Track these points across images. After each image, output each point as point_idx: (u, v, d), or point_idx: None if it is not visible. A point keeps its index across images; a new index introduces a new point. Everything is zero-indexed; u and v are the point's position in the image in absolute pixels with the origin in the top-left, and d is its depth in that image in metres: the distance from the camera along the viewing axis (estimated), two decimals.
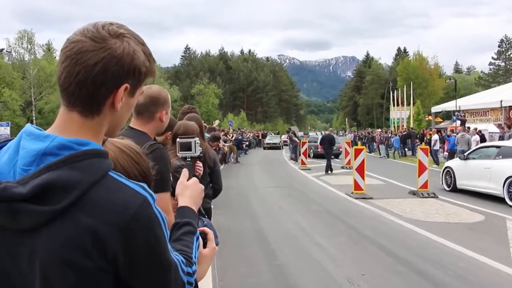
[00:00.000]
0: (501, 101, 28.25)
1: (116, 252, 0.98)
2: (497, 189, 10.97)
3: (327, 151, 19.55)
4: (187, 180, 1.56)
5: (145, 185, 1.06)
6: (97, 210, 0.97)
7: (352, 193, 12.18)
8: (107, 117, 1.08)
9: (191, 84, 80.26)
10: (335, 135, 23.26)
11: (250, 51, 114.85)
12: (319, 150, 28.51)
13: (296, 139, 27.72)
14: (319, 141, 24.58)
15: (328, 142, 19.58)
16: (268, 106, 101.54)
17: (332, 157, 19.34)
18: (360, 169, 12.23)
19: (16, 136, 1.06)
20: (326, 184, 15.26)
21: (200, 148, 1.97)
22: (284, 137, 53.20)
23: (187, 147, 1.89)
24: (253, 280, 5.62)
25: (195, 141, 1.91)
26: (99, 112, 1.06)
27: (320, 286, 5.34)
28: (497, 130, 21.98)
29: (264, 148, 44.15)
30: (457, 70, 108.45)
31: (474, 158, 12.56)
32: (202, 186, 1.59)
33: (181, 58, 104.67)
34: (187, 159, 1.87)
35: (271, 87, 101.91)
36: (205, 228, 1.53)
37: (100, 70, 1.02)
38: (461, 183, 12.77)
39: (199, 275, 1.33)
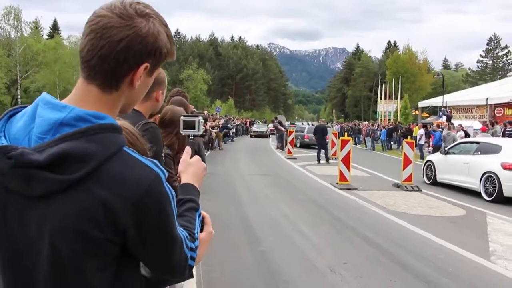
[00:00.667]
0: (487, 99, 28.55)
1: (127, 225, 1.01)
2: (475, 183, 11.29)
3: (319, 141, 19.71)
4: (190, 158, 1.58)
5: (157, 162, 1.09)
6: (111, 183, 1.00)
7: (337, 183, 12.28)
8: (125, 93, 1.11)
9: (180, 69, 79.71)
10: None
11: (240, 38, 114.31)
12: (305, 139, 28.79)
13: (282, 128, 27.74)
14: (312, 131, 24.92)
15: (321, 131, 19.74)
16: (256, 94, 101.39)
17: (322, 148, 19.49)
18: (346, 160, 12.32)
19: (32, 104, 1.08)
20: (312, 174, 15.35)
21: (204, 127, 1.97)
22: (271, 126, 53.32)
23: (191, 125, 1.91)
24: (237, 265, 5.66)
25: (199, 119, 1.93)
26: (117, 87, 1.09)
27: (303, 273, 5.41)
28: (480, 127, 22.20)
29: (251, 136, 43.97)
30: (446, 66, 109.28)
31: (454, 153, 12.83)
32: (204, 164, 1.61)
33: None
34: (190, 137, 1.89)
35: (260, 75, 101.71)
36: (203, 212, 1.54)
37: (124, 47, 1.04)
38: (441, 177, 13.08)
39: (197, 258, 1.35)
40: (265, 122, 59.11)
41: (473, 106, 30.74)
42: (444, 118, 28.54)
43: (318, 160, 19.33)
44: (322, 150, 19.52)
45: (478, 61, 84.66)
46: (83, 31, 1.08)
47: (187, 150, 1.63)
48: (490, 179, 10.78)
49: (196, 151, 3.93)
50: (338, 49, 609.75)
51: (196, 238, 1.29)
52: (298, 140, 27.96)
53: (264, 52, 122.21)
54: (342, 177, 12.30)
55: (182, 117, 1.95)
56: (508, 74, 71.66)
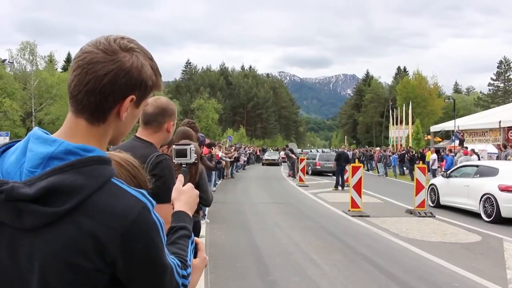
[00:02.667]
0: (500, 122, 28.30)
1: (115, 256, 1.02)
2: (474, 205, 11.60)
3: (340, 167, 19.66)
4: (183, 186, 1.60)
5: (145, 192, 1.10)
6: (99, 214, 1.01)
7: (349, 210, 12.13)
8: (112, 125, 1.13)
9: (191, 99, 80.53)
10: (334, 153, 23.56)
11: (250, 67, 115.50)
12: (317, 167, 28.66)
13: (293, 156, 27.69)
14: (324, 158, 29.40)
15: (344, 159, 19.84)
16: (267, 122, 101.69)
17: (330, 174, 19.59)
18: (358, 187, 12.20)
19: (24, 138, 1.11)
20: (323, 201, 15.21)
21: (195, 155, 2.01)
22: (283, 153, 53.32)
23: (182, 153, 1.93)
24: None
25: (190, 148, 1.94)
26: (104, 120, 1.11)
27: None
28: (496, 150, 21.97)
29: (263, 164, 44.04)
30: (457, 90, 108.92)
31: (456, 176, 13.13)
32: (197, 192, 1.63)
33: (182, 73, 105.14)
34: (183, 166, 1.90)
35: (271, 104, 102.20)
36: (196, 238, 1.55)
37: (109, 81, 1.07)
38: (443, 200, 13.33)
39: (191, 285, 1.36)
40: (277, 150, 59.06)
41: (486, 130, 30.47)
42: (457, 142, 28.30)
43: (339, 186, 19.27)
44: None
45: (489, 84, 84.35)
46: (71, 67, 1.12)
47: (180, 178, 1.64)
48: (488, 200, 11.03)
49: (198, 177, 3.86)
50: (348, 76, 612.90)
51: (188, 265, 1.30)
52: (309, 168, 27.83)
53: (275, 81, 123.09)
54: (354, 204, 12.15)
55: (174, 146, 1.97)
56: None
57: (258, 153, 52.24)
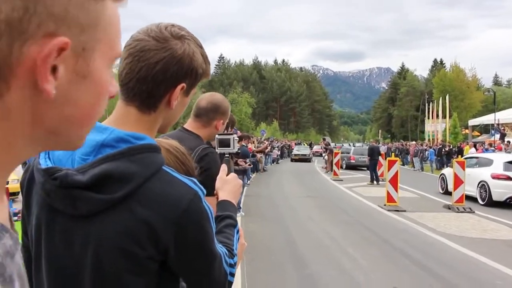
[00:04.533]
0: None
1: (168, 243, 1.03)
2: (473, 191, 13.23)
3: (374, 161, 19.46)
4: (226, 175, 1.62)
5: (195, 180, 1.10)
6: (152, 202, 1.02)
7: (384, 205, 11.98)
8: (162, 113, 1.13)
9: (225, 93, 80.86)
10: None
11: (283, 61, 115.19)
12: (351, 161, 28.39)
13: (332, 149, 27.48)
14: (358, 152, 29.67)
15: (377, 153, 19.76)
16: (300, 116, 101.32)
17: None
18: (394, 181, 12.02)
19: None
20: (358, 195, 15.07)
21: (238, 145, 2.05)
22: (317, 147, 52.75)
23: (225, 143, 1.95)
24: (284, 287, 5.58)
25: (233, 137, 1.97)
26: (155, 108, 1.11)
27: None
28: None
29: (292, 160, 39.56)
30: (497, 82, 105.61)
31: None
32: (241, 181, 1.65)
33: (215, 67, 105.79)
34: (226, 155, 1.92)
35: (304, 97, 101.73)
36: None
37: (160, 68, 1.07)
38: (451, 187, 13.61)
39: None
40: (310, 145, 58.24)
41: None
42: (497, 136, 27.46)
43: (374, 180, 19.00)
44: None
45: None
46: (121, 55, 1.11)
47: (223, 167, 1.66)
48: (483, 186, 12.97)
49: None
50: (383, 69, 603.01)
51: (235, 254, 1.32)
52: (344, 162, 27.60)
53: (308, 74, 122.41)
54: (389, 198, 11.99)
55: (217, 136, 2.00)
56: None
57: (293, 147, 52.01)
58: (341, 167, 24.47)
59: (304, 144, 55.84)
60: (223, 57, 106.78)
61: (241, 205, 10.46)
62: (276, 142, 42.50)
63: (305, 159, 38.64)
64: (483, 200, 12.89)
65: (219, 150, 1.97)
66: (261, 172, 24.50)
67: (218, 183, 1.59)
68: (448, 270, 6.39)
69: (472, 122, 39.27)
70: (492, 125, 31.35)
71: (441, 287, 5.64)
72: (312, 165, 34.03)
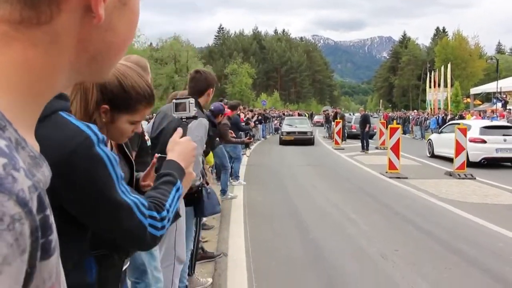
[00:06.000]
0: None
1: (56, 187, 1.00)
2: (453, 153, 13.28)
3: (363, 130, 19.64)
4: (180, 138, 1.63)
5: (93, 126, 1.08)
6: (39, 144, 1.00)
7: (386, 172, 12.04)
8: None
9: (225, 64, 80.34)
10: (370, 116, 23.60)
11: (283, 31, 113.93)
12: (353, 130, 28.37)
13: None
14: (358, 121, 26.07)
15: (368, 121, 20.11)
16: (301, 87, 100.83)
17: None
18: (395, 148, 12.06)
19: None
20: (360, 163, 15.13)
21: (195, 109, 2.02)
22: (318, 117, 52.16)
23: (182, 107, 1.94)
24: (287, 253, 5.66)
25: (189, 101, 1.94)
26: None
27: (354, 260, 5.34)
28: None
29: (281, 143, 23.33)
30: (500, 50, 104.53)
31: (446, 132, 16.15)
32: (194, 145, 1.63)
33: (215, 38, 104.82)
34: (183, 119, 1.92)
35: (305, 68, 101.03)
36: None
37: None
38: (437, 151, 16.53)
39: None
40: (311, 115, 56.56)
41: None
42: (499, 104, 27.38)
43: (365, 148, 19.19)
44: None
45: None
46: None
47: (178, 130, 1.65)
48: None
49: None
50: (384, 38, 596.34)
51: (166, 209, 1.32)
52: (345, 131, 27.59)
53: (308, 44, 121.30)
54: (391, 165, 12.04)
55: (174, 100, 1.99)
56: None
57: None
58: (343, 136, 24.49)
59: (305, 115, 43.04)
60: (222, 28, 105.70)
61: (239, 174, 10.48)
62: (275, 111, 41.76)
63: (303, 140, 22.84)
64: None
65: (176, 114, 1.96)
66: (256, 141, 24.00)
67: (169, 145, 1.59)
68: (449, 234, 6.47)
69: (474, 90, 39.10)
70: (494, 93, 31.19)
71: (442, 251, 5.72)
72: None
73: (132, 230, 1.20)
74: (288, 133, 23.36)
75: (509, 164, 14.29)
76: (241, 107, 12.94)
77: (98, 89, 1.45)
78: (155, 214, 1.27)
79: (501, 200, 9.05)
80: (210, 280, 4.58)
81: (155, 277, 2.97)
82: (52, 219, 0.46)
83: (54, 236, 0.47)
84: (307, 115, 47.70)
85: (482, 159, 13.66)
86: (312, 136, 23.58)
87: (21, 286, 0.41)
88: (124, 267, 1.73)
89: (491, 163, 13.76)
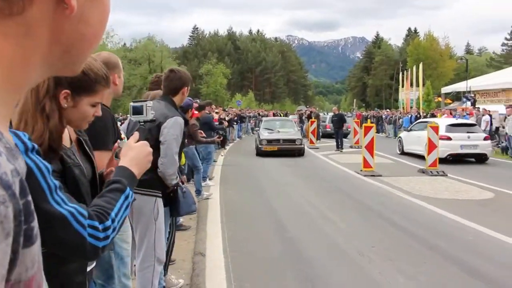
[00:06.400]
0: None
1: None
2: (423, 150, 14.19)
3: (338, 129, 19.91)
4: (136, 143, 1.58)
5: (22, 134, 1.01)
6: None
7: (361, 170, 12.20)
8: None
9: (199, 64, 79.94)
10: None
11: (258, 31, 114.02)
12: (327, 129, 28.60)
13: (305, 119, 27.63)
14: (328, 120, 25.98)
15: (343, 120, 20.61)
16: (276, 87, 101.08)
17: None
18: (370, 147, 12.23)
19: None
20: (335, 162, 15.28)
21: (153, 112, 1.96)
22: (292, 117, 52.17)
23: (138, 111, 1.88)
24: (265, 252, 5.68)
25: (146, 104, 1.90)
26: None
27: (332, 258, 5.40)
28: (506, 112, 21.69)
29: (259, 153, 17.41)
30: (468, 51, 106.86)
31: (415, 130, 16.89)
32: (149, 150, 1.58)
33: (189, 38, 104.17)
34: (140, 123, 1.88)
35: (279, 68, 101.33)
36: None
37: None
38: (406, 148, 17.20)
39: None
40: (285, 115, 56.49)
41: (499, 90, 30.13)
42: (469, 103, 28.03)
43: (340, 147, 19.44)
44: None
45: (503, 45, 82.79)
46: None
47: (135, 135, 1.61)
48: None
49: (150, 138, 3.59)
50: (357, 38, 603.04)
51: (109, 219, 1.28)
52: (320, 130, 27.80)
53: (283, 44, 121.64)
54: (366, 164, 12.21)
55: (130, 103, 1.95)
56: None
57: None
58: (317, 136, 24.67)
59: (279, 115, 42.96)
60: (197, 28, 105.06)
61: (207, 175, 10.39)
62: (250, 112, 41.47)
63: (290, 151, 17.10)
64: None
65: (133, 117, 1.91)
66: (231, 142, 24.00)
67: (123, 150, 1.55)
68: (424, 229, 6.60)
69: (444, 90, 39.91)
70: (464, 92, 31.95)
71: (417, 246, 5.83)
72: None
73: (68, 241, 1.17)
74: (270, 141, 17.07)
75: (473, 159, 15.14)
76: (213, 106, 12.85)
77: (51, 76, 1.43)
78: (96, 224, 1.23)
79: (471, 196, 9.28)
80: (181, 281, 4.54)
81: (122, 283, 2.89)
82: (33, 206, 0.46)
83: (36, 224, 0.46)
84: (281, 115, 47.37)
85: (448, 155, 14.20)
86: (302, 146, 17.27)
87: (6, 271, 0.40)
88: (89, 268, 1.72)
89: (455, 159, 14.48)
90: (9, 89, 0.48)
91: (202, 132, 8.04)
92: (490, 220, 7.08)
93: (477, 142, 14.73)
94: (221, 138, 9.36)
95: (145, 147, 1.56)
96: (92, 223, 1.22)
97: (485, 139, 15.14)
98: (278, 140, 17.23)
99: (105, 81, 1.61)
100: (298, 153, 17.09)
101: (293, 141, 17.26)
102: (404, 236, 6.28)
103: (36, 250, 0.47)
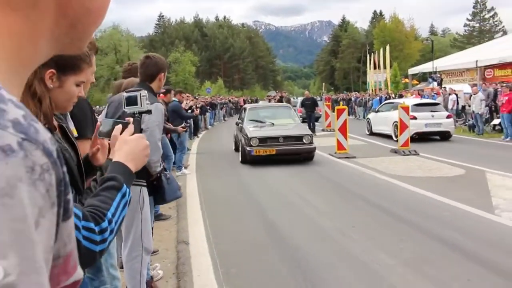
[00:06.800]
0: (477, 61, 28.63)
1: None
2: (389, 130, 15.51)
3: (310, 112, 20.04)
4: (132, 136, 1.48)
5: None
6: None
7: (335, 153, 12.34)
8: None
9: (167, 53, 78.81)
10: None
11: (225, 17, 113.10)
12: (298, 113, 28.77)
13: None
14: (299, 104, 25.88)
15: (315, 104, 21.13)
16: (245, 73, 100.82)
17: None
18: (343, 129, 12.37)
19: None
20: None
21: (148, 102, 1.81)
22: (263, 103, 51.88)
23: (132, 101, 1.72)
24: (247, 236, 5.73)
25: (140, 94, 1.74)
26: None
27: (314, 238, 5.48)
28: (471, 91, 22.25)
29: (247, 161, 11.46)
30: (433, 32, 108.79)
31: (382, 111, 17.48)
32: (146, 143, 1.49)
33: (155, 27, 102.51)
34: (135, 114, 1.72)
35: (247, 54, 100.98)
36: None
37: None
38: (375, 129, 17.74)
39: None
40: (255, 101, 56.26)
41: (463, 70, 30.82)
42: (435, 83, 28.61)
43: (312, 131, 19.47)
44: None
45: (465, 25, 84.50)
46: None
47: (129, 128, 1.50)
48: (396, 126, 14.23)
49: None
50: (324, 22, 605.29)
51: (105, 219, 1.21)
52: None
53: (250, 30, 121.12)
54: (340, 146, 12.35)
55: (124, 93, 1.81)
56: (495, 36, 71.60)
57: (242, 104, 51.01)
58: None
59: (249, 101, 42.61)
60: (162, 16, 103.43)
61: (181, 164, 10.33)
62: (222, 99, 41.08)
63: (298, 153, 11.50)
64: (396, 137, 14.23)
65: (127, 109, 1.74)
66: (203, 130, 23.81)
67: (117, 144, 1.45)
68: (402, 208, 6.75)
69: (411, 71, 40.54)
70: (430, 73, 32.58)
71: (396, 223, 5.98)
72: None
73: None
74: (263, 140, 11.31)
75: (437, 137, 15.78)
76: (184, 95, 12.64)
77: None
78: (92, 225, 1.16)
79: (444, 173, 9.53)
80: (161, 272, 4.51)
81: (111, 274, 2.88)
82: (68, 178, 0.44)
83: (71, 197, 0.45)
84: (251, 101, 47.25)
85: (414, 133, 14.44)
86: (313, 145, 11.44)
87: (53, 242, 0.40)
88: None
89: (421, 137, 14.96)
90: (20, 65, 0.47)
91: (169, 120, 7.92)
92: (463, 195, 7.30)
93: (441, 120, 15.40)
94: (186, 129, 9.11)
95: (141, 140, 1.46)
96: (87, 224, 1.15)
97: (448, 117, 15.84)
98: (276, 138, 11.30)
99: (89, 59, 1.57)
100: (308, 156, 11.42)
101: (299, 138, 11.33)
102: (383, 215, 6.41)
103: (72, 224, 0.46)
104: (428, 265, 4.48)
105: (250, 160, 11.25)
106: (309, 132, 12.10)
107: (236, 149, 13.13)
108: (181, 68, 70.73)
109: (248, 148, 11.19)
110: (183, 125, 8.81)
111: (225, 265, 4.65)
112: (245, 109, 14.15)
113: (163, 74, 3.59)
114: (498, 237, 5.34)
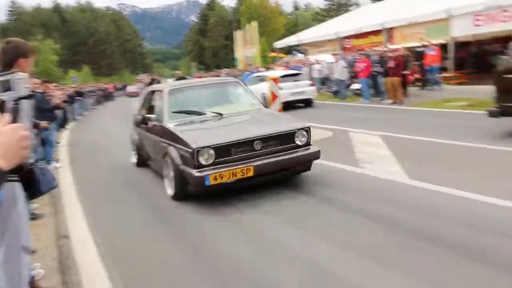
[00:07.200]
0: (336, 33, 30.58)
1: None
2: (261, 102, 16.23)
3: None
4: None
5: None
6: None
7: None
8: None
9: None
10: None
11: (86, 1, 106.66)
12: None
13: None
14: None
15: None
16: (112, 58, 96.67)
17: None
18: None
19: None
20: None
21: (27, 86, 1.55)
22: (132, 87, 50.07)
23: (6, 86, 1.47)
24: (128, 220, 5.65)
25: (14, 77, 1.48)
26: None
27: (209, 214, 5.57)
28: (333, 60, 23.82)
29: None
30: (296, 7, 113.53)
31: (250, 84, 17.43)
32: (23, 134, 1.33)
33: (8, 14, 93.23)
34: (14, 102, 1.47)
35: (113, 38, 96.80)
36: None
37: None
38: None
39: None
40: (124, 87, 53.82)
41: (325, 41, 32.69)
42: (301, 55, 30.11)
43: None
44: None
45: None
46: None
47: (4, 118, 1.34)
48: (264, 97, 14.80)
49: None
50: (191, 2, 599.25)
51: None
52: None
53: (115, 13, 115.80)
54: None
55: None
56: (349, 9, 76.92)
57: (111, 90, 49.21)
58: None
59: (118, 88, 42.45)
60: (15, 1, 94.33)
61: (52, 156, 9.78)
62: (90, 87, 38.73)
63: (289, 166, 6.22)
64: (265, 107, 14.90)
65: (3, 96, 1.47)
66: (72, 121, 22.31)
67: None
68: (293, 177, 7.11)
69: (277, 44, 42.02)
70: (295, 46, 34.20)
71: (270, 186, 6.30)
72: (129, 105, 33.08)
73: None
74: (224, 150, 5.78)
75: (302, 105, 17.24)
76: (50, 85, 11.79)
77: None
78: None
79: (315, 137, 10.11)
80: (42, 271, 4.30)
81: None
82: None
83: None
84: (120, 87, 45.42)
85: (282, 103, 15.28)
86: (312, 151, 6.42)
87: None
88: None
89: (288, 106, 15.84)
90: None
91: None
92: (333, 154, 7.87)
93: (303, 89, 17.08)
94: (49, 125, 8.57)
95: (17, 131, 1.28)
96: None
97: (311, 85, 17.62)
98: (249, 143, 5.93)
99: None
100: (304, 168, 6.58)
101: (288, 137, 6.26)
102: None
103: None
104: (300, 218, 4.84)
105: (202, 193, 5.90)
106: (302, 124, 6.55)
107: (142, 163, 8.64)
108: (42, 57, 65.59)
109: (194, 172, 5.61)
110: (47, 122, 8.32)
111: (111, 253, 4.55)
112: (158, 94, 7.79)
113: (23, 59, 3.36)
114: (364, 186, 5.97)
